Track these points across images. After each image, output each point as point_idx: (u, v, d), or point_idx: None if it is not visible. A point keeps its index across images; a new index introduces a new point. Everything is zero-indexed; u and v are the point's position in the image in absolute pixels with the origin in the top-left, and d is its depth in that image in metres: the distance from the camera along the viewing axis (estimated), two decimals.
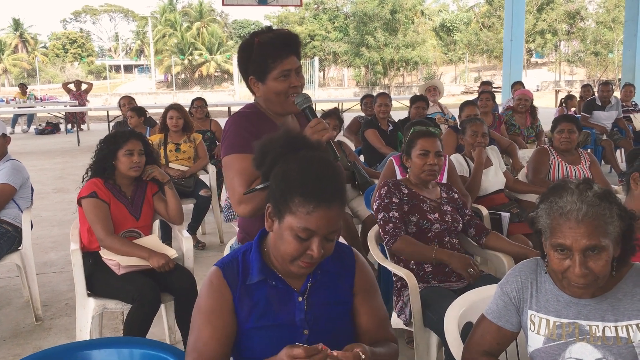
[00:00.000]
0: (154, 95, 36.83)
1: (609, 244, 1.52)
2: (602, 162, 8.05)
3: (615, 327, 1.60)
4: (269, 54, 2.03)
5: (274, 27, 2.15)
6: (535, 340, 1.68)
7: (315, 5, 42.39)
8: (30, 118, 16.95)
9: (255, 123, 2.09)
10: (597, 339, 1.60)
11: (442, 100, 8.25)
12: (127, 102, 7.37)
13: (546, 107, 16.98)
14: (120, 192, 3.28)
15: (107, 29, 67.98)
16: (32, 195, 4.13)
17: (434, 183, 3.10)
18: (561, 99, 9.57)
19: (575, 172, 4.28)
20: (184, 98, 30.54)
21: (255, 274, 1.62)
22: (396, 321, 2.87)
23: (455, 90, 36.11)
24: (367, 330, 1.71)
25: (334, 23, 41.35)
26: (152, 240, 3.26)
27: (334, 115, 4.89)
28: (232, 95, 36.21)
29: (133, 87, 47.05)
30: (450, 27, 42.11)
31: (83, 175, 3.34)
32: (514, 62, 18.68)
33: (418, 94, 7.53)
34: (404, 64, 39.00)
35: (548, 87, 36.49)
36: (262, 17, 66.77)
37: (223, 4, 13.90)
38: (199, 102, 6.99)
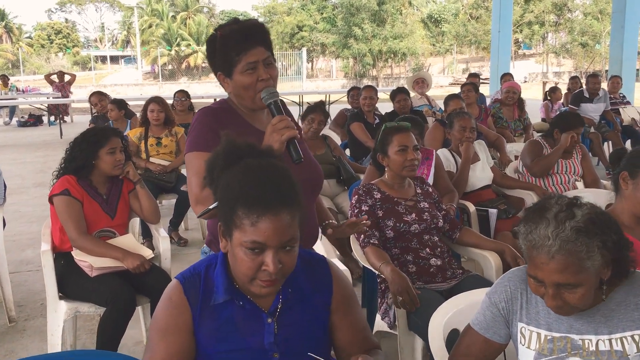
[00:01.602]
0: (139, 86, 36.42)
1: (587, 278, 1.42)
2: (590, 154, 7.99)
3: (610, 340, 1.50)
4: (232, 46, 1.89)
5: (241, 19, 2.01)
6: (526, 355, 1.59)
7: None
8: (13, 110, 16.65)
9: (222, 120, 1.95)
10: (591, 353, 1.51)
11: (430, 92, 8.15)
12: (98, 100, 7.14)
13: (534, 98, 16.92)
14: (94, 189, 3.15)
15: (92, 19, 67.50)
16: (4, 192, 3.98)
17: (409, 180, 3.01)
18: (545, 92, 9.46)
19: (567, 167, 4.21)
20: (170, 89, 30.21)
21: (220, 294, 1.48)
22: (380, 324, 2.78)
23: (443, 82, 36.03)
24: (348, 346, 1.59)
25: (322, 14, 41.06)
26: (128, 240, 3.13)
27: (319, 109, 4.75)
28: (219, 87, 35.89)
29: (119, 78, 46.56)
30: (438, 19, 41.98)
31: (53, 172, 3.21)
32: (502, 53, 18.69)
33: (405, 86, 7.42)
34: (392, 55, 38.83)
35: (536, 78, 36.48)
36: (249, 7, 66.27)
37: None
38: (181, 95, 6.86)
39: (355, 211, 2.86)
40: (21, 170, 9.22)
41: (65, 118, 15.89)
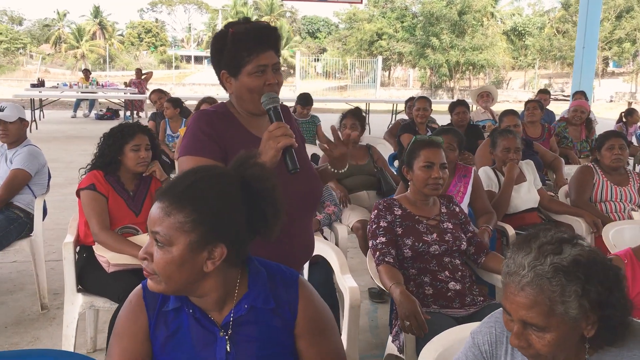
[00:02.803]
0: (216, 86, 37.20)
1: (558, 326, 1.25)
2: None
3: None
4: (243, 46, 1.83)
5: (253, 20, 1.95)
6: None
7: (384, 3, 41.76)
8: (92, 103, 17.41)
9: (216, 124, 1.90)
10: None
11: (506, 107, 7.84)
12: (158, 98, 7.35)
13: (616, 119, 16.08)
14: (121, 185, 3.18)
15: (181, 19, 69.60)
16: (48, 182, 4.11)
17: (434, 198, 2.84)
18: (621, 113, 8.88)
19: (622, 194, 3.91)
20: None
21: (172, 300, 1.44)
22: (390, 347, 2.64)
23: (522, 97, 34.88)
24: None
25: (402, 22, 40.64)
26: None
27: (351, 114, 4.57)
28: (293, 91, 36.24)
29: (200, 78, 47.85)
30: (522, 32, 40.65)
31: (80, 168, 3.27)
32: (585, 70, 17.75)
33: (468, 99, 7.18)
34: (471, 67, 37.90)
35: (623, 97, 34.73)
36: (331, 14, 66.70)
37: None
38: None
39: (374, 226, 2.75)
40: (88, 161, 9.57)
41: (140, 113, 16.45)
